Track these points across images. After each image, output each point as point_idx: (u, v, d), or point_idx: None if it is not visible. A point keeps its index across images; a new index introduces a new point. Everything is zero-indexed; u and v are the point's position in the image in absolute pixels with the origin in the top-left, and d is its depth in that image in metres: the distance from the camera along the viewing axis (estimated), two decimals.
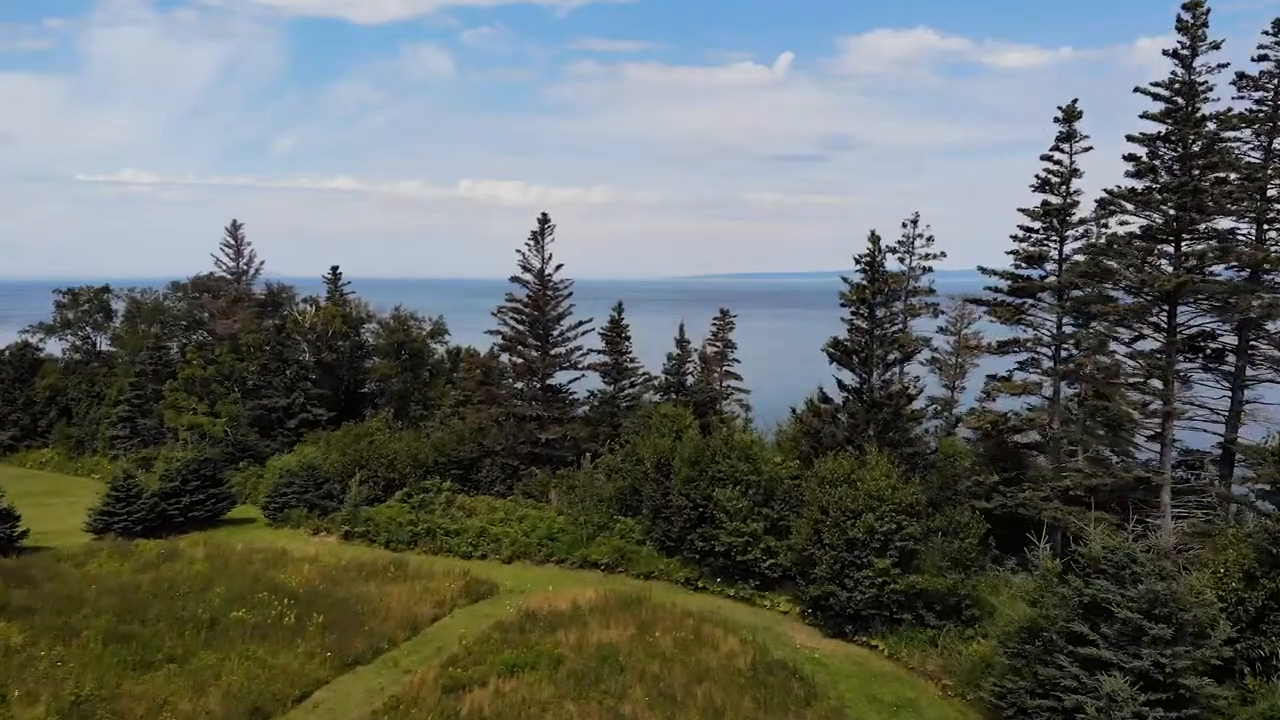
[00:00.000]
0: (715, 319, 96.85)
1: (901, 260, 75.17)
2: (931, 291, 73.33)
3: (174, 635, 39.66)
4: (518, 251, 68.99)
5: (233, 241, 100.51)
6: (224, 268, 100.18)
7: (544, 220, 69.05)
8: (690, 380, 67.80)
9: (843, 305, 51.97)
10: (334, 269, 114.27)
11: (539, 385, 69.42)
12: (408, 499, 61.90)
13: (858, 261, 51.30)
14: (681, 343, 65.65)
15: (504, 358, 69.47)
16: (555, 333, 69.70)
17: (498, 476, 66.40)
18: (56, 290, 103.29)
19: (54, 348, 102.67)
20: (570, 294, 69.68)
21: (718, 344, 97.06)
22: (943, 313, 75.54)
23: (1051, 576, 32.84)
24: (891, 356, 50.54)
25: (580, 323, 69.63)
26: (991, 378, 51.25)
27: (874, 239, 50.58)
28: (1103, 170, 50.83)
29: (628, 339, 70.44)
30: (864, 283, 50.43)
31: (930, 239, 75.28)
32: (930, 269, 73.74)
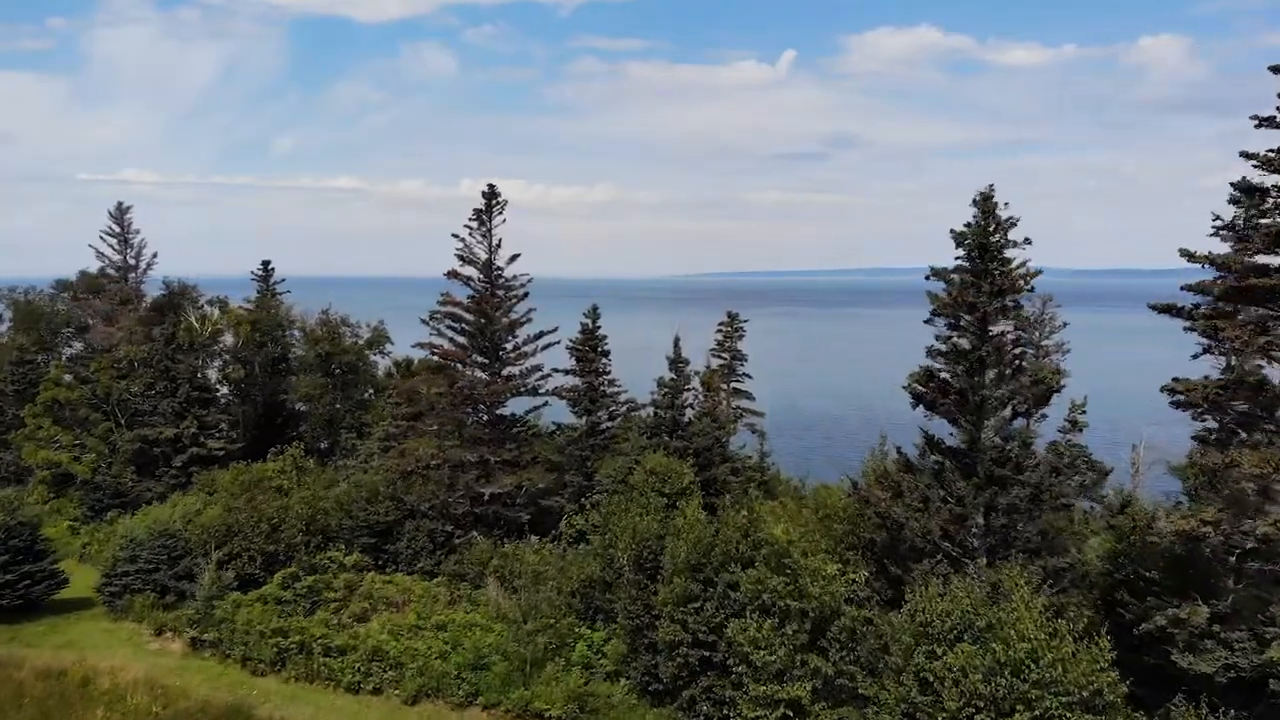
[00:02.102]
0: (721, 324, 78.34)
1: None
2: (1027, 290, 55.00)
3: None
4: (455, 237, 50.56)
5: (118, 229, 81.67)
6: (107, 262, 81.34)
7: (491, 195, 50.65)
8: (690, 413, 49.04)
9: (935, 315, 33.85)
10: (265, 264, 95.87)
11: (484, 419, 50.94)
12: (288, 586, 43.57)
13: (959, 241, 33.03)
14: (678, 364, 46.48)
15: (436, 383, 50.72)
16: (508, 347, 51.31)
17: (424, 547, 47.98)
18: None
19: None
20: (526, 294, 51.24)
21: (724, 354, 78.68)
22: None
23: None
24: (1017, 397, 31.90)
25: (541, 334, 51.18)
26: (1203, 441, 31.18)
27: (985, 202, 32.23)
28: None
29: (605, 354, 51.93)
30: (971, 278, 32.02)
31: (1013, 222, 56.79)
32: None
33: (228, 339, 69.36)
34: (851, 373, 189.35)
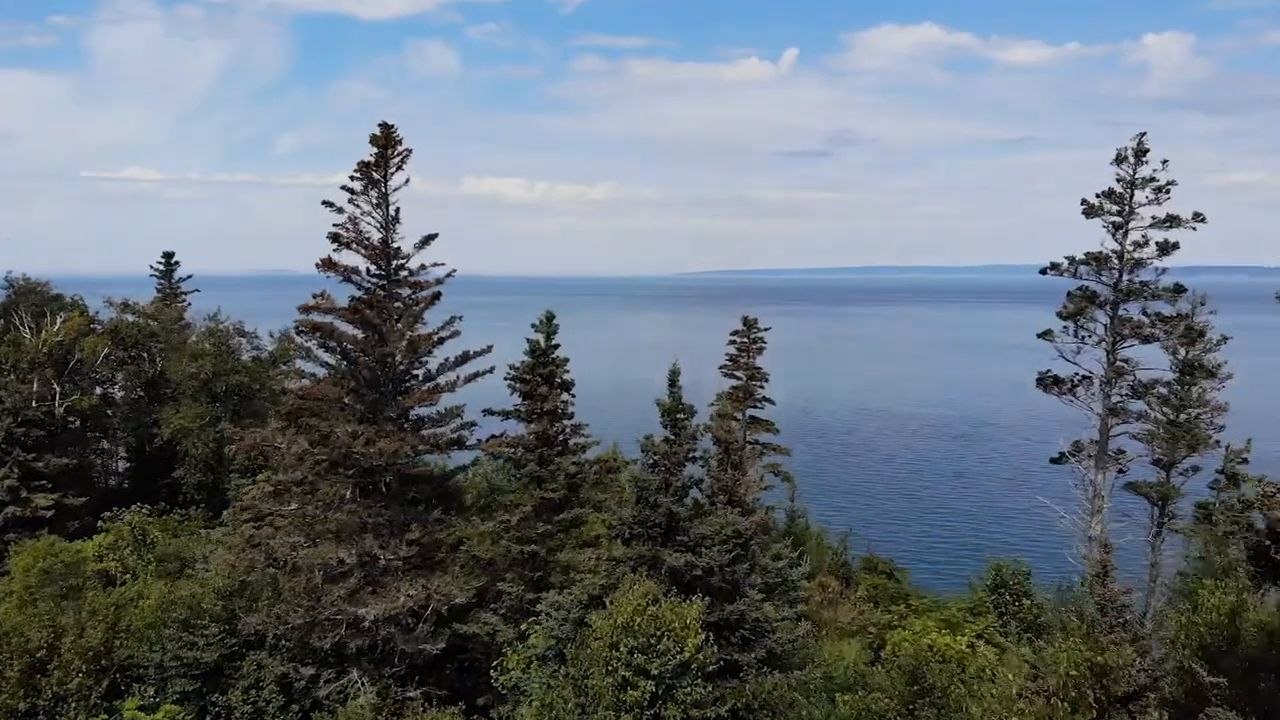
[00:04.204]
0: (736, 334, 60.12)
1: (1116, 229, 38.82)
2: (1178, 291, 36.94)
3: None
4: (329, 207, 32.40)
5: None
6: None
7: (386, 141, 32.47)
8: (697, 494, 29.47)
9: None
10: (166, 256, 77.70)
11: (376, 489, 32.68)
12: None
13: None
14: (676, 415, 25.59)
15: (301, 440, 31.93)
16: (415, 377, 33.17)
17: (271, 700, 29.82)
18: None
19: None
20: (438, 295, 33.11)
21: (738, 372, 60.52)
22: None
23: None
24: None
25: (465, 357, 32.99)
26: None
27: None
28: None
29: (566, 387, 33.62)
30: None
31: (1168, 188, 38.55)
32: (1174, 245, 37.33)
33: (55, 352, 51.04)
34: (855, 373, 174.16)
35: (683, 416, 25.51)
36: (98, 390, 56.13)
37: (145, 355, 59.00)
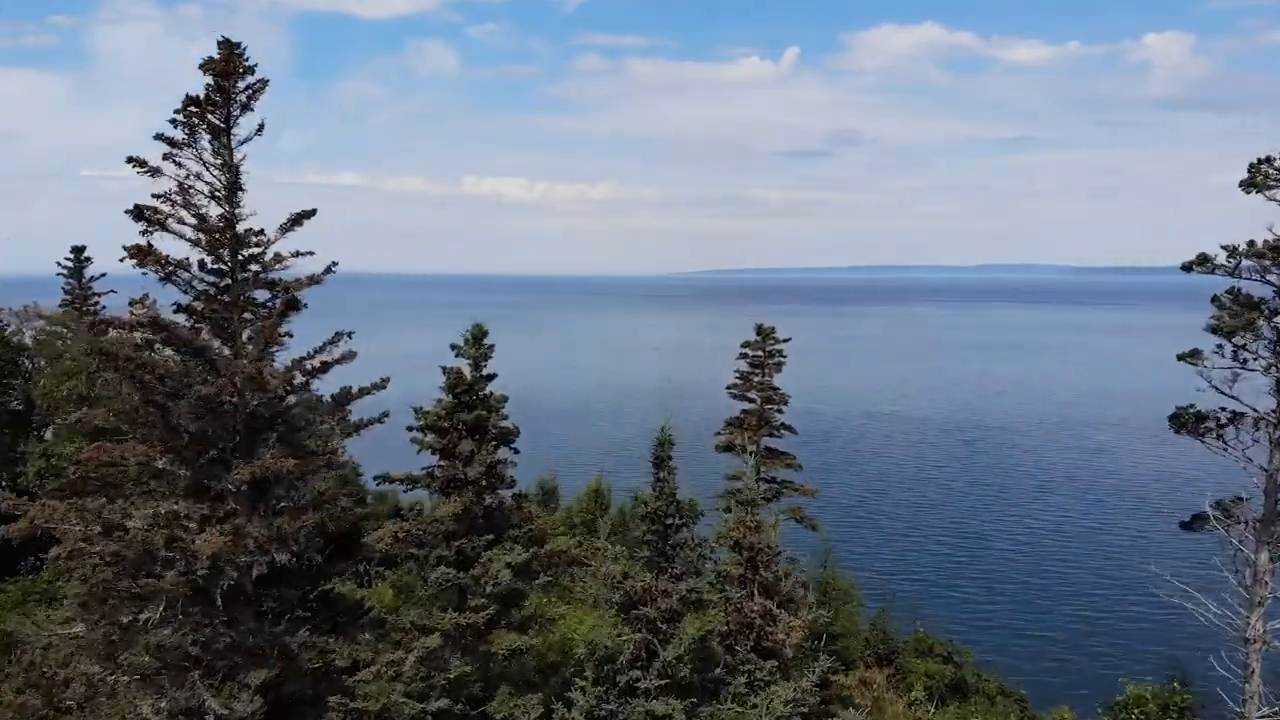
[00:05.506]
0: (749, 346, 48.83)
1: None
2: None
3: None
4: (134, 165, 20.90)
5: None
6: None
7: (228, 60, 21.03)
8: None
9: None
10: (76, 251, 66.21)
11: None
12: None
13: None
14: (665, 524, 14.62)
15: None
16: (273, 425, 21.66)
17: None
18: None
19: None
20: (301, 304, 21.63)
21: (752, 393, 49.22)
22: None
23: None
24: None
25: (346, 396, 21.52)
26: None
27: None
28: None
29: (505, 439, 22.07)
30: None
31: None
32: None
33: None
34: (857, 373, 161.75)
35: (675, 521, 14.12)
36: None
37: (19, 375, 47.60)
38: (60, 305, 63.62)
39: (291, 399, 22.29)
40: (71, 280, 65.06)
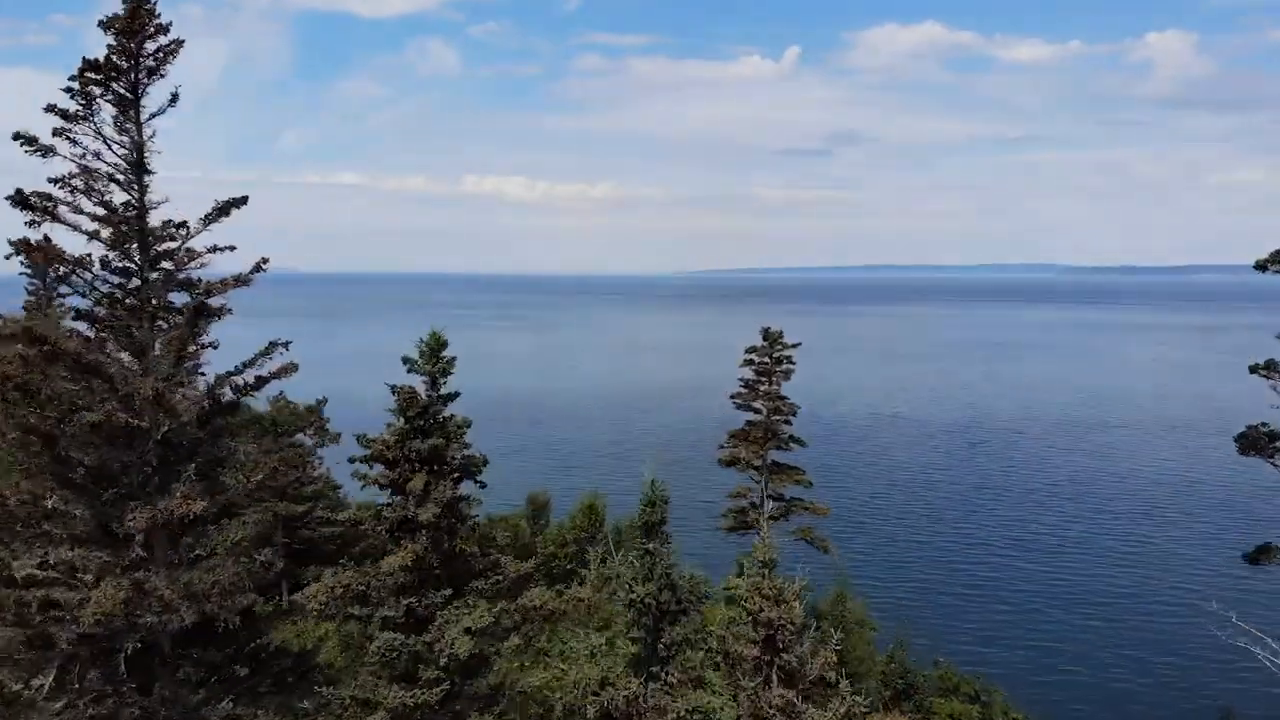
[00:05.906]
0: (754, 352, 45.32)
1: None
2: None
3: None
4: (21, 142, 17.26)
5: None
6: None
7: (134, 14, 17.38)
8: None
9: None
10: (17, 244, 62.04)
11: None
12: None
13: None
14: (651, 612, 10.34)
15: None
16: (187, 455, 18.06)
17: None
18: None
19: None
20: (225, 309, 18.05)
21: (759, 404, 45.76)
22: None
23: None
24: None
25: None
26: None
27: None
28: None
29: (469, 471, 18.44)
30: None
31: None
32: None
33: None
34: (858, 374, 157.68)
35: (672, 610, 10.60)
36: None
37: None
38: (25, 307, 60.00)
39: (219, 422, 18.76)
40: (35, 281, 61.33)
